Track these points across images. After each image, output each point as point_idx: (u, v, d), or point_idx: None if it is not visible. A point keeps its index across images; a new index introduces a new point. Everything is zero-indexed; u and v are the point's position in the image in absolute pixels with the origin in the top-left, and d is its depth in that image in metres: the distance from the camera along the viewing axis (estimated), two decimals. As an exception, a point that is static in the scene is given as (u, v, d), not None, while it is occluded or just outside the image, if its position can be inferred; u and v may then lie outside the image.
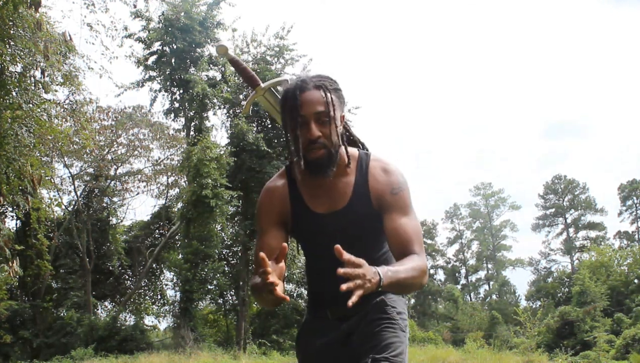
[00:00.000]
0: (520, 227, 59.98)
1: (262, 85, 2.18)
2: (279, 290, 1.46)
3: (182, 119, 19.80)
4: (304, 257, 2.01)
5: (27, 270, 15.37)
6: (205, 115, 19.29)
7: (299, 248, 1.99)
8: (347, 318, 1.85)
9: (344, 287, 1.37)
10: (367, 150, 1.95)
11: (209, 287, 19.87)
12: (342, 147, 1.80)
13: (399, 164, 1.87)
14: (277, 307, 1.46)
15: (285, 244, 1.63)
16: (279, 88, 2.18)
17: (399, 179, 1.82)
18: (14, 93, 7.64)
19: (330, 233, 1.78)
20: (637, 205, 42.42)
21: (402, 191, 1.80)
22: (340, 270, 1.39)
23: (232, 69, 19.92)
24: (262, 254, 1.44)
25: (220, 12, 19.53)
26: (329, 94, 1.73)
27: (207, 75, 19.78)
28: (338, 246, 1.41)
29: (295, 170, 1.85)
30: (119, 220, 26.47)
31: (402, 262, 1.65)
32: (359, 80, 70.24)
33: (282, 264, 1.66)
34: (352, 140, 1.95)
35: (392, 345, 1.74)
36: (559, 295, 35.80)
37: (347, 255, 1.40)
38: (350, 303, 1.36)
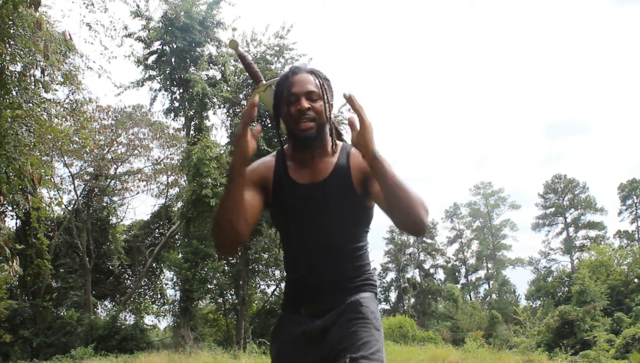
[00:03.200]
0: (520, 227, 60.04)
1: (264, 81, 2.31)
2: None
3: (182, 118, 19.80)
4: (282, 249, 2.07)
5: (27, 270, 15.36)
6: (205, 114, 19.29)
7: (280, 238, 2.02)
8: (321, 315, 1.88)
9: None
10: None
11: (209, 286, 19.89)
12: (329, 131, 1.94)
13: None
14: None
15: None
16: None
17: None
18: (14, 92, 7.64)
19: (308, 206, 1.88)
20: (637, 204, 42.41)
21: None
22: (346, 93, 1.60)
23: (232, 68, 20.03)
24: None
25: (220, 11, 19.54)
26: (319, 79, 1.88)
27: (207, 75, 19.77)
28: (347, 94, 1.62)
29: (285, 151, 1.98)
30: (119, 220, 26.52)
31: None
32: (359, 79, 70.26)
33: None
34: (340, 138, 2.07)
35: (367, 343, 1.77)
36: (558, 294, 35.79)
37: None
38: (349, 96, 1.61)
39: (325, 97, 1.86)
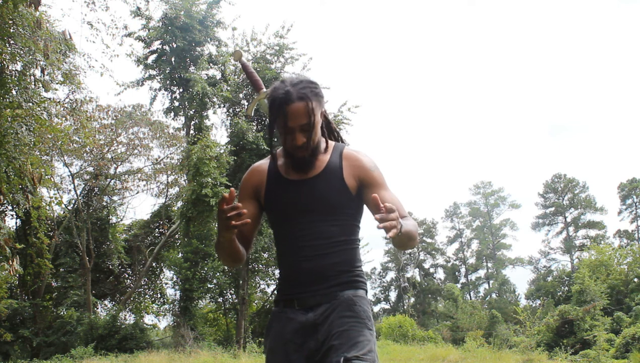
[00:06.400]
0: (520, 226, 60.14)
1: (265, 90, 2.40)
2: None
3: (182, 118, 19.78)
4: (275, 246, 2.13)
5: (27, 269, 15.35)
6: (205, 113, 19.27)
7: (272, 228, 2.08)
8: (314, 308, 1.92)
9: (380, 225, 1.58)
10: (344, 142, 2.17)
11: (209, 285, 19.88)
12: (321, 136, 2.01)
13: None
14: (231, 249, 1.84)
15: (250, 219, 1.92)
16: None
17: (373, 160, 2.04)
18: (14, 91, 7.64)
19: (296, 200, 1.95)
20: (637, 204, 42.41)
21: (379, 170, 2.03)
22: (377, 216, 1.61)
23: (232, 68, 20.03)
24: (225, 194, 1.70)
25: (220, 10, 19.52)
26: (310, 104, 1.89)
27: (207, 74, 19.75)
28: (375, 196, 1.64)
29: (277, 155, 2.11)
30: (119, 219, 26.46)
31: (406, 219, 1.86)
32: (358, 79, 70.28)
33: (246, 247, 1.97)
34: (330, 128, 2.16)
35: (360, 343, 1.82)
36: (558, 293, 35.80)
37: (386, 204, 1.63)
38: (390, 235, 1.59)
39: (313, 121, 1.90)
